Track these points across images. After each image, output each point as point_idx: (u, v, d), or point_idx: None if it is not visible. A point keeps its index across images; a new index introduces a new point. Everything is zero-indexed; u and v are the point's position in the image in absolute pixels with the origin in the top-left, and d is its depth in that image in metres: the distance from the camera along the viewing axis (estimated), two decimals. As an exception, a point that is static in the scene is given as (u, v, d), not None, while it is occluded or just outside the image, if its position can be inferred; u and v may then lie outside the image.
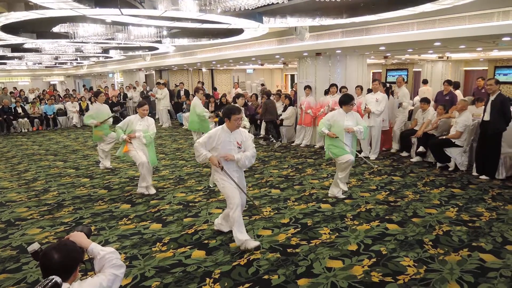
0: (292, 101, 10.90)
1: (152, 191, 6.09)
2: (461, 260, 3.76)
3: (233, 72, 23.78)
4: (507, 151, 6.43)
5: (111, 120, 8.01)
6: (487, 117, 6.25)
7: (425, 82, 13.71)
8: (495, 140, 6.27)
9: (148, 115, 6.23)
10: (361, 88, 9.07)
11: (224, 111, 4.14)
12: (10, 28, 7.35)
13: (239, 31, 8.41)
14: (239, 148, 4.13)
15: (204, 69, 21.47)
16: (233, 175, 4.14)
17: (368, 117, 8.06)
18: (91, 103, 15.79)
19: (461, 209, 5.11)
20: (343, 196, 5.67)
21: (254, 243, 4.08)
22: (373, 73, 20.48)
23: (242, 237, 4.06)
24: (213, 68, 21.47)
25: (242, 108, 7.30)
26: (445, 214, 4.95)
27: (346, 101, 5.45)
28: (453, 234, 4.34)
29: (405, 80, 18.63)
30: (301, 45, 8.91)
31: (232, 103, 11.53)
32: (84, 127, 15.05)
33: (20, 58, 14.48)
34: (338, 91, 9.09)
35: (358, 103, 8.41)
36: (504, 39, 7.23)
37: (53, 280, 1.64)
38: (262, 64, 20.41)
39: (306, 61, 10.21)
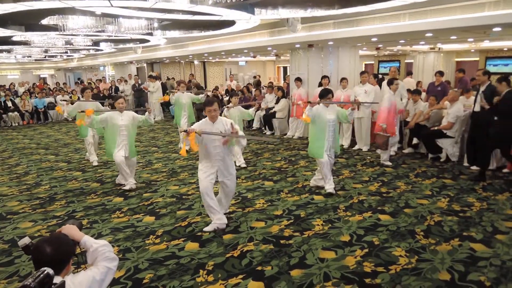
0: (284, 93, 10.89)
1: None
2: (452, 249, 3.80)
3: (225, 64, 23.68)
4: (498, 142, 6.49)
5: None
6: (477, 108, 6.29)
7: (409, 73, 13.87)
8: (486, 131, 6.31)
9: (140, 108, 6.13)
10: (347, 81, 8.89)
11: (203, 104, 4.51)
12: (-2, 20, 7.23)
13: (230, 23, 8.36)
14: (223, 136, 4.31)
15: (196, 62, 21.36)
16: (216, 164, 4.37)
17: (358, 109, 8.06)
18: (82, 96, 15.64)
19: (452, 200, 5.16)
20: (331, 191, 5.47)
21: (215, 225, 4.42)
22: (365, 64, 20.51)
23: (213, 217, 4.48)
24: (205, 60, 21.36)
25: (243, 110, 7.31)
26: (436, 205, 5.00)
27: (324, 95, 5.43)
28: (444, 224, 4.39)
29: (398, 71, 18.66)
30: (293, 36, 8.88)
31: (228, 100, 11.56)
32: (75, 120, 14.89)
33: (8, 51, 14.28)
34: (339, 82, 8.92)
35: (345, 96, 8.43)
36: (495, 29, 7.27)
37: (45, 272, 1.63)
38: (254, 56, 20.33)
39: (298, 53, 10.19)
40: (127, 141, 5.87)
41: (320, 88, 9.21)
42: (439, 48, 15.13)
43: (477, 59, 16.34)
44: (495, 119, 5.85)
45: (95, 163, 7.61)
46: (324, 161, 5.42)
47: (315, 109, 5.39)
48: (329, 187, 5.47)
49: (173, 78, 18.00)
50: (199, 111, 11.82)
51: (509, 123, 5.61)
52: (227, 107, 7.35)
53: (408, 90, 8.29)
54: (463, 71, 8.89)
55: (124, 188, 5.92)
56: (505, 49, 14.78)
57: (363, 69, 20.07)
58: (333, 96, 5.66)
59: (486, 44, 13.06)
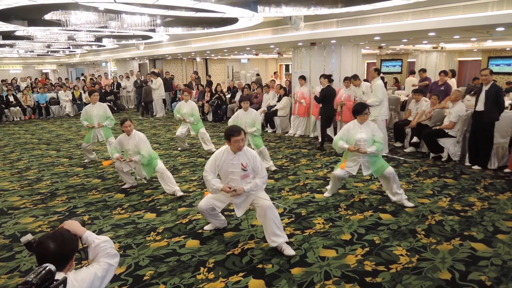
0: (287, 91, 10.87)
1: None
2: (453, 249, 3.80)
3: (227, 62, 23.65)
4: (500, 142, 6.49)
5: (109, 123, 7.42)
6: (480, 107, 6.28)
7: (412, 72, 13.90)
8: (488, 131, 6.32)
9: (142, 104, 6.05)
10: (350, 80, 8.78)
11: (224, 132, 3.85)
12: (1, 15, 7.23)
13: (233, 20, 8.35)
14: (244, 170, 3.81)
15: (198, 59, 21.32)
16: (235, 200, 3.93)
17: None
18: (84, 92, 15.65)
19: (453, 199, 5.16)
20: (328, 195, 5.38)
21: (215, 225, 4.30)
22: (367, 63, 20.48)
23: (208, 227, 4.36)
24: (208, 57, 21.33)
25: (256, 113, 6.69)
26: (437, 204, 5.00)
27: (359, 111, 4.89)
28: (445, 224, 4.39)
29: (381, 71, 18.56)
30: (296, 34, 8.86)
31: (236, 100, 11.52)
32: (77, 116, 14.94)
33: (11, 45, 14.28)
34: (342, 81, 8.90)
35: (346, 95, 8.43)
36: (498, 29, 7.24)
37: (47, 268, 1.63)
38: (256, 54, 20.31)
39: (300, 51, 10.17)
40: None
41: (317, 87, 9.22)
42: (442, 48, 15.11)
43: (479, 58, 16.33)
44: (320, 106, 8.21)
45: (94, 158, 7.66)
46: (336, 173, 5.11)
47: (348, 124, 5.08)
48: (327, 194, 5.38)
49: (172, 75, 17.95)
50: (146, 103, 13.95)
51: (328, 108, 8.08)
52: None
53: (418, 90, 8.24)
54: (445, 74, 8.81)
55: (123, 187, 5.91)
56: (508, 48, 14.76)
57: (366, 68, 20.09)
58: (369, 109, 5.02)
59: (489, 43, 13.04)
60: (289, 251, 3.72)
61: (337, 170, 5.12)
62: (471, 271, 3.39)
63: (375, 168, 4.93)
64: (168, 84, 15.48)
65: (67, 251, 1.86)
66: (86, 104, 15.43)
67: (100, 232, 4.34)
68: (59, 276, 1.70)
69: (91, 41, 12.24)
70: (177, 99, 14.95)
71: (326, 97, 8.03)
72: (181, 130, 8.29)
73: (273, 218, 3.72)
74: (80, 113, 15.45)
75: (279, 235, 3.74)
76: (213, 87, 13.39)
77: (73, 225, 2.03)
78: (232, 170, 3.82)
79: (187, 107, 8.20)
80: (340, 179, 5.24)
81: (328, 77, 8.20)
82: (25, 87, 15.84)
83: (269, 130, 10.67)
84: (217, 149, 8.01)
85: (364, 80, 9.25)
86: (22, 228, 4.52)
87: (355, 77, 8.28)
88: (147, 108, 14.16)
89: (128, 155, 5.59)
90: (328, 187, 5.43)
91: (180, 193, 5.42)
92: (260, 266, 3.55)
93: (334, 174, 5.15)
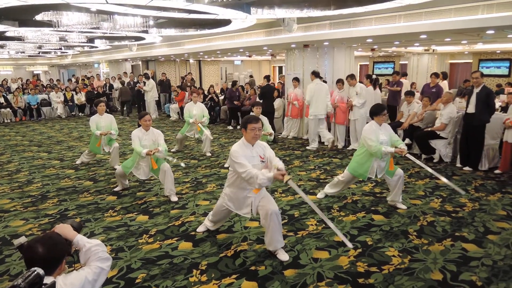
0: (280, 93, 10.88)
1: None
2: (444, 249, 3.83)
3: (221, 63, 23.63)
4: (490, 143, 6.56)
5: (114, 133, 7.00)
6: (471, 110, 6.34)
7: (404, 75, 13.99)
8: (479, 132, 6.38)
9: (135, 105, 5.86)
10: (342, 82, 8.66)
11: (241, 121, 3.83)
12: (-9, 16, 7.16)
13: (226, 22, 8.34)
14: (262, 162, 3.72)
15: (191, 60, 21.27)
16: (250, 195, 3.78)
17: (351, 109, 8.16)
18: (76, 93, 15.53)
19: (445, 200, 5.20)
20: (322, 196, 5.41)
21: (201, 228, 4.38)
22: (360, 65, 20.58)
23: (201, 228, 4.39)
24: (201, 59, 21.29)
25: (265, 119, 6.66)
26: (429, 205, 5.03)
27: (377, 112, 4.83)
28: (437, 225, 4.42)
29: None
30: (289, 36, 8.88)
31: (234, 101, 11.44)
32: (69, 117, 14.83)
33: (1, 46, 14.15)
34: (336, 83, 8.87)
35: (339, 97, 8.49)
36: (488, 32, 7.33)
37: (35, 272, 1.61)
38: (250, 56, 20.31)
39: (294, 53, 10.19)
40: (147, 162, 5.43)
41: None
42: (433, 50, 15.23)
43: (470, 61, 16.48)
44: (261, 101, 8.88)
45: (83, 162, 7.52)
46: (345, 179, 5.11)
47: (369, 126, 4.88)
48: (320, 195, 5.40)
49: (165, 76, 17.89)
50: (122, 103, 14.45)
51: (268, 103, 9.29)
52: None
53: (409, 92, 8.31)
54: (436, 76, 8.87)
55: (115, 189, 5.86)
56: (498, 51, 14.92)
57: (358, 70, 20.19)
58: (387, 112, 4.93)
59: (480, 46, 13.18)
60: (283, 256, 3.71)
61: (349, 176, 5.05)
62: (462, 272, 3.42)
63: (388, 169, 4.89)
64: (165, 86, 15.41)
65: (56, 255, 1.83)
66: (78, 105, 15.45)
67: (91, 234, 4.31)
68: (48, 280, 1.68)
69: (83, 42, 12.16)
70: (170, 100, 14.89)
71: (266, 94, 9.37)
72: (186, 133, 8.22)
73: (277, 223, 3.67)
74: (72, 114, 15.35)
75: (279, 240, 3.73)
76: (206, 89, 13.37)
77: (64, 228, 2.01)
78: (252, 163, 3.65)
79: (197, 109, 8.18)
80: (348, 184, 5.23)
81: (267, 77, 9.92)
82: (16, 88, 15.67)
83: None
84: (211, 151, 8.13)
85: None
86: (12, 231, 4.47)
87: (352, 76, 8.27)
88: (123, 107, 14.70)
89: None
90: (329, 190, 5.35)
91: (175, 198, 5.38)
92: (253, 268, 3.55)
93: (343, 180, 5.12)
